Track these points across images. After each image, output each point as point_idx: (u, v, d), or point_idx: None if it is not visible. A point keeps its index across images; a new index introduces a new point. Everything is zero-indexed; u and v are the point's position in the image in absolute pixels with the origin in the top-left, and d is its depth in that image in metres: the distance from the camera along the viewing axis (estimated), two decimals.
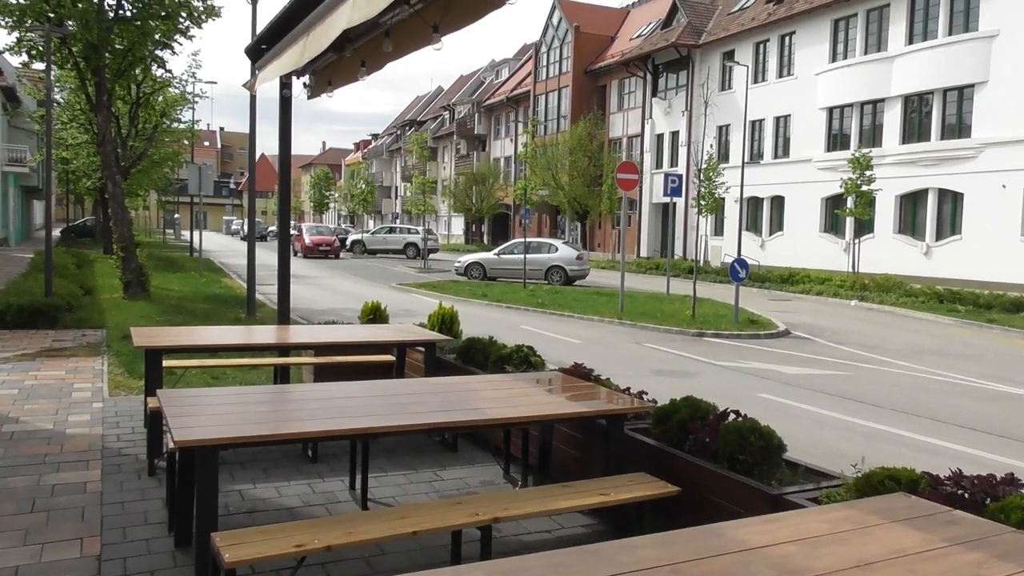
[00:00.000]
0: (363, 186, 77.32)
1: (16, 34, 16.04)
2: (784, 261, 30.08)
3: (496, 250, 28.27)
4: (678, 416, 4.47)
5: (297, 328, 7.77)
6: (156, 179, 41.16)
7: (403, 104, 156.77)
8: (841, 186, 25.63)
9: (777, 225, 33.15)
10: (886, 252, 26.96)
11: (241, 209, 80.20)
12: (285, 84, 7.76)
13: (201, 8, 16.72)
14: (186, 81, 32.73)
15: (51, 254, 13.83)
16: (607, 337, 14.05)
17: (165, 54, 19.44)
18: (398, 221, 58.16)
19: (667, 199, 23.49)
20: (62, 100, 30.45)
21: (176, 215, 64.34)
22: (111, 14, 15.96)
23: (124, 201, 17.34)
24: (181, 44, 54.05)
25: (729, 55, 34.98)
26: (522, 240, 25.82)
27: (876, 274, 24.34)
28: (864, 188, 24.50)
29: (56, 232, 37.46)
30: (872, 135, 28.44)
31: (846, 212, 25.81)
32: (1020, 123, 23.23)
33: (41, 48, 15.49)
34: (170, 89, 31.68)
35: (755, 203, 33.94)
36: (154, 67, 20.04)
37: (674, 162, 38.50)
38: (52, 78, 16.32)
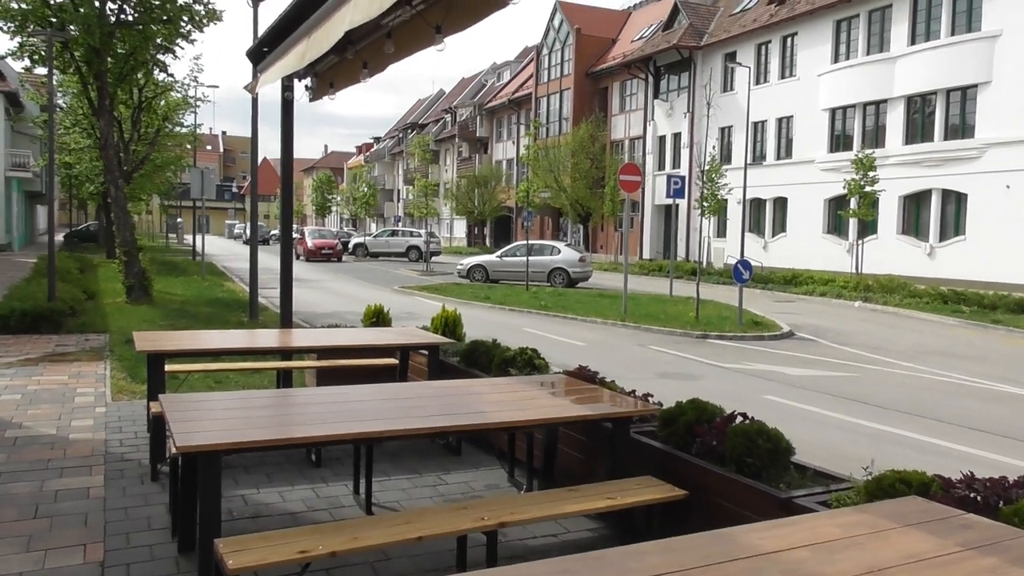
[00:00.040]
0: (365, 189, 77.33)
1: (18, 39, 16.11)
2: (787, 262, 29.99)
3: (498, 252, 28.23)
4: (684, 419, 4.43)
5: (300, 332, 7.76)
6: (158, 183, 41.28)
7: (405, 107, 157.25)
8: (844, 187, 25.55)
9: (780, 226, 33.08)
10: (890, 253, 26.88)
11: (243, 213, 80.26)
12: (287, 86, 7.76)
13: (202, 12, 16.75)
14: (188, 85, 32.71)
15: (54, 259, 13.81)
16: (611, 339, 14.01)
17: (167, 58, 19.50)
18: (400, 224, 58.12)
19: (669, 201, 23.44)
20: (64, 105, 30.50)
21: (179, 219, 64.36)
22: (113, 18, 15.99)
23: (127, 205, 17.35)
24: (183, 48, 54.26)
25: (731, 56, 34.95)
26: (525, 242, 25.81)
27: (880, 275, 24.24)
28: (867, 189, 24.43)
29: (59, 237, 37.52)
30: (875, 136, 28.38)
31: (849, 213, 25.73)
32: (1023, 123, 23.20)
33: (43, 53, 15.51)
34: (172, 93, 31.79)
35: (758, 204, 33.88)
36: (156, 71, 20.09)
37: (676, 164, 38.44)
38: (54, 83, 16.35)
